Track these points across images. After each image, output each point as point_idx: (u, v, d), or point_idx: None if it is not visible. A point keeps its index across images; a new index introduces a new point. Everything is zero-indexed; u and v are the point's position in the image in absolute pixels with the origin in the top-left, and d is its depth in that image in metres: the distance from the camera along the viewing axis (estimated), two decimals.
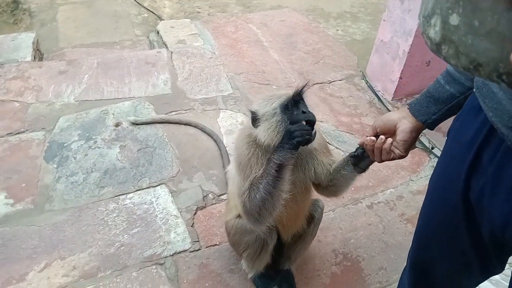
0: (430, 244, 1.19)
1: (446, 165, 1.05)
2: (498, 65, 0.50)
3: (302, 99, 1.32)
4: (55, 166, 2.36)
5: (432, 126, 1.13)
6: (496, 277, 1.85)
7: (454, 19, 0.53)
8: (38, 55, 3.43)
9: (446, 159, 1.06)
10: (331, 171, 1.45)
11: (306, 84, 1.31)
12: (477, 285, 1.26)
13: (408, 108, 1.15)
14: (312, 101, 2.95)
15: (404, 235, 2.08)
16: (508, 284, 1.83)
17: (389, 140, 1.16)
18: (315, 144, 1.38)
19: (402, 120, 1.15)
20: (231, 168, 1.57)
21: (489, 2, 0.49)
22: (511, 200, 0.82)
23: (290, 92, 1.29)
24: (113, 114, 2.73)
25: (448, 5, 0.54)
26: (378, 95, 3.06)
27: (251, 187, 1.30)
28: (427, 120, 1.12)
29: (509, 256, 1.06)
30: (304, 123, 1.26)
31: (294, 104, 1.29)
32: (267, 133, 1.27)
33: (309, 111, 1.27)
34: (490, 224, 0.91)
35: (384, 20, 2.93)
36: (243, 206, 1.35)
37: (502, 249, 0.99)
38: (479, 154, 0.89)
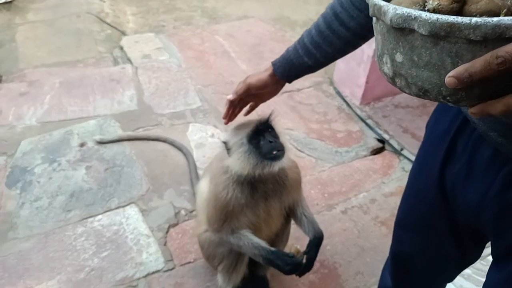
0: (409, 237, 1.22)
1: (423, 157, 1.09)
2: (441, 89, 0.60)
3: (271, 127, 1.36)
4: (18, 191, 2.26)
5: (292, 81, 1.34)
6: (467, 271, 1.89)
7: (398, 57, 0.64)
8: None
9: (423, 151, 1.10)
10: (296, 219, 1.63)
11: (271, 113, 1.36)
12: (454, 278, 1.29)
13: (273, 70, 1.30)
14: (281, 109, 2.98)
15: (379, 238, 2.09)
16: (479, 278, 1.88)
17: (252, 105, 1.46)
18: (291, 177, 1.49)
19: (273, 86, 1.34)
20: (203, 186, 1.56)
21: (419, 41, 0.60)
22: (484, 183, 0.86)
23: (255, 121, 1.34)
24: (78, 134, 2.65)
25: (392, 46, 0.65)
26: (346, 100, 3.09)
27: (229, 234, 1.44)
28: (288, 79, 1.31)
29: (486, 243, 1.08)
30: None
31: (262, 133, 1.33)
32: (237, 163, 1.32)
33: (276, 140, 1.32)
34: (465, 210, 0.94)
35: None
36: (212, 232, 1.51)
37: (478, 235, 1.02)
38: (453, 143, 0.93)
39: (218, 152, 1.66)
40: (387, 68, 0.68)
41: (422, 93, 0.64)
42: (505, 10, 0.61)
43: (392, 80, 0.68)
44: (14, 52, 3.67)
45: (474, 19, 0.53)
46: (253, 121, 1.36)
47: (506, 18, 0.52)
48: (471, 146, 0.88)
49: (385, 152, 2.67)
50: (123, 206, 2.19)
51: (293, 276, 1.87)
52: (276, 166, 1.31)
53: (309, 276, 1.90)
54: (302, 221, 1.60)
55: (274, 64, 1.29)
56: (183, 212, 2.18)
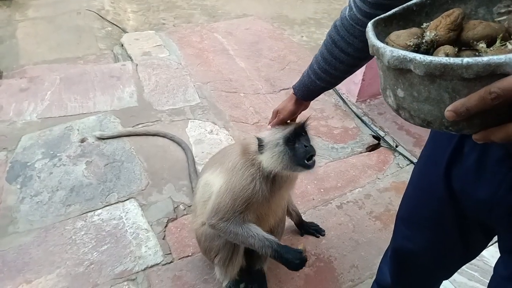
0: (414, 234, 1.22)
1: (429, 154, 1.11)
2: (442, 121, 0.63)
3: (305, 132, 1.43)
4: (18, 186, 2.29)
5: (313, 99, 1.49)
6: None
7: (400, 92, 0.67)
8: None
9: (429, 148, 1.11)
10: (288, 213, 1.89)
11: (308, 118, 1.44)
12: (452, 275, 1.31)
13: (296, 96, 1.47)
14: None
15: (373, 233, 2.13)
16: (472, 272, 1.90)
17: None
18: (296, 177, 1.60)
19: (301, 107, 1.51)
20: (210, 179, 1.59)
21: (417, 79, 0.62)
22: (494, 183, 0.88)
23: (293, 125, 1.42)
24: (78, 129, 2.68)
25: (393, 82, 0.68)
26: (343, 97, 3.13)
27: (237, 225, 1.47)
28: (309, 99, 1.48)
29: (493, 236, 1.10)
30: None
31: (297, 137, 1.40)
32: (270, 161, 1.39)
33: (310, 145, 1.39)
34: (475, 208, 0.96)
35: None
36: (216, 221, 1.50)
37: (488, 231, 1.04)
38: (460, 143, 0.95)
39: (226, 147, 1.73)
40: (391, 101, 0.71)
41: (426, 124, 0.67)
42: (502, 34, 0.64)
43: (397, 112, 0.71)
44: (15, 48, 3.70)
45: (465, 60, 0.55)
46: (290, 124, 1.43)
47: (495, 57, 0.53)
48: (480, 146, 0.90)
49: (381, 149, 2.71)
50: (123, 201, 2.22)
51: (289, 270, 1.91)
52: (307, 173, 1.44)
53: (305, 269, 1.94)
54: (292, 216, 1.96)
55: (294, 88, 1.45)
56: (181, 206, 2.21)
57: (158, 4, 4.98)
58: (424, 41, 0.68)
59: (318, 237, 2.08)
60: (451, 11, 0.69)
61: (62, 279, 1.85)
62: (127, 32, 4.15)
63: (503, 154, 0.85)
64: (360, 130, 2.85)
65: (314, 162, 1.39)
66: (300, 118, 1.53)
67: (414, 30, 0.71)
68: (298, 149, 1.37)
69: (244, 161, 1.46)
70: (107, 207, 2.19)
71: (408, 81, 0.64)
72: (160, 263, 1.93)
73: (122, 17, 4.62)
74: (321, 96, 3.33)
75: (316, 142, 2.70)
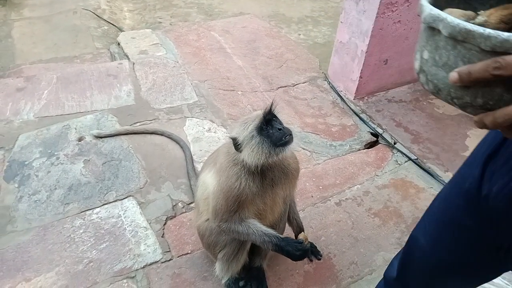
0: (431, 229, 1.15)
1: (474, 153, 1.03)
2: (450, 90, 0.67)
3: (275, 116, 1.42)
4: (16, 185, 2.28)
5: None
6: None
7: (425, 54, 0.71)
8: None
9: (477, 147, 1.03)
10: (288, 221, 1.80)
11: (272, 102, 1.42)
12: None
13: None
14: (277, 104, 3.00)
15: (372, 229, 2.13)
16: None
17: None
18: (293, 167, 1.56)
19: None
20: (207, 179, 1.61)
21: (442, 42, 0.66)
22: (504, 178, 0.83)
23: (261, 113, 1.40)
24: (75, 128, 2.67)
25: (423, 44, 0.72)
26: (341, 95, 3.13)
27: (237, 223, 1.48)
28: None
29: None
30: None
31: (268, 123, 1.39)
32: (252, 155, 1.38)
33: (284, 127, 1.39)
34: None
35: (341, 22, 3.01)
36: (219, 222, 1.52)
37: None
38: (500, 143, 0.89)
39: (220, 146, 1.71)
40: (417, 64, 0.74)
41: (436, 91, 0.70)
42: None
43: (418, 75, 0.75)
44: (11, 48, 3.68)
45: (488, 30, 0.58)
46: (258, 114, 1.42)
47: None
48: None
49: (379, 146, 2.72)
50: (121, 199, 2.22)
51: (289, 266, 1.93)
52: (288, 150, 1.39)
53: (304, 266, 1.94)
54: (293, 224, 1.82)
55: None
56: (180, 204, 2.21)
57: (155, 3, 4.97)
58: (473, 23, 0.69)
59: (312, 260, 1.98)
60: (510, 4, 0.72)
61: (61, 277, 1.85)
62: (123, 31, 4.13)
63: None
64: (358, 128, 2.85)
65: (292, 137, 1.38)
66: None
67: (469, 12, 0.75)
68: (274, 134, 1.37)
69: (228, 161, 1.47)
70: (106, 206, 2.19)
71: (435, 43, 0.68)
72: (159, 260, 1.93)
73: (119, 16, 4.60)
74: (319, 93, 3.35)
75: (314, 139, 2.73)
